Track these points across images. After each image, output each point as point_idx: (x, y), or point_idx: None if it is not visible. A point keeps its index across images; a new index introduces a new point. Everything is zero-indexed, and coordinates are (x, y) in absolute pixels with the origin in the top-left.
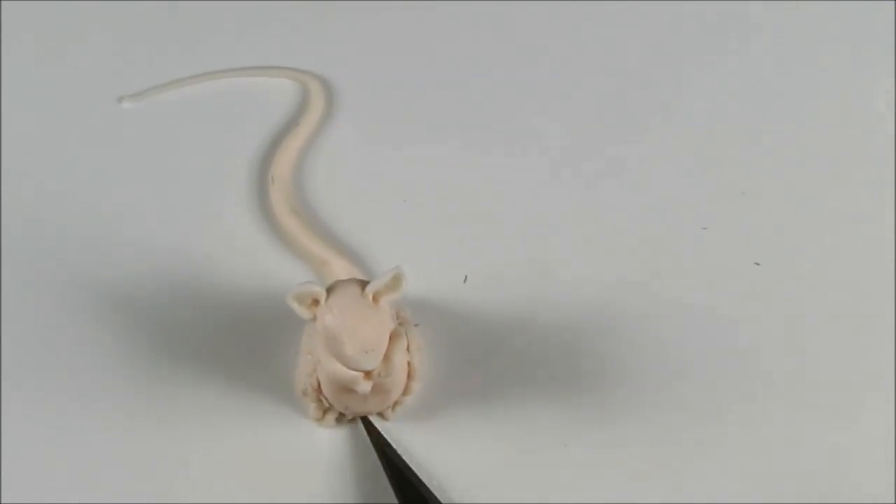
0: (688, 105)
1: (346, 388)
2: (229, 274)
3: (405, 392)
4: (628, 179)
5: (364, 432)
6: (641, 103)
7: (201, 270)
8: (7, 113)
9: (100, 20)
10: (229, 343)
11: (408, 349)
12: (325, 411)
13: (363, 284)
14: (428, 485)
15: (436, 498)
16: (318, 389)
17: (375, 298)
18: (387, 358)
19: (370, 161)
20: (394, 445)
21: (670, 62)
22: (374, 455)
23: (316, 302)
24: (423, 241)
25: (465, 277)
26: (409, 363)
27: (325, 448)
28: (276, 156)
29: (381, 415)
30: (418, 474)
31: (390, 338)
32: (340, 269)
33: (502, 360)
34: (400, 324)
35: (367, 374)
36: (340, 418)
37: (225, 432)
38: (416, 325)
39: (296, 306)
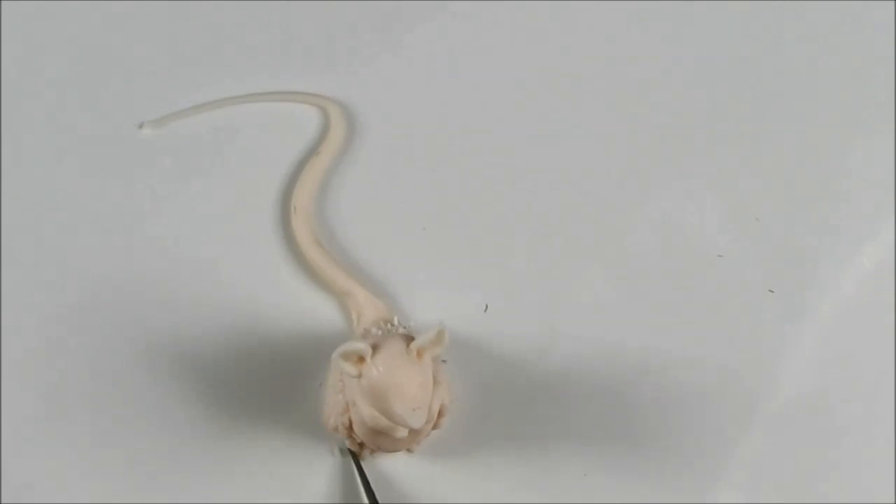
0: (702, 131)
1: (383, 433)
2: (252, 304)
3: (434, 426)
4: (647, 208)
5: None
6: (663, 130)
7: (222, 300)
8: (28, 137)
9: (121, 46)
10: (250, 374)
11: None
12: (362, 447)
13: (408, 340)
14: None
15: None
16: (350, 427)
17: (419, 353)
18: (429, 410)
19: (390, 189)
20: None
21: (686, 84)
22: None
23: (362, 359)
24: (443, 271)
25: (486, 307)
26: (440, 402)
27: (351, 480)
28: (297, 185)
29: (408, 449)
30: None
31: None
32: (364, 299)
33: (523, 390)
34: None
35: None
36: (372, 453)
37: (247, 465)
38: (444, 362)
39: (343, 364)
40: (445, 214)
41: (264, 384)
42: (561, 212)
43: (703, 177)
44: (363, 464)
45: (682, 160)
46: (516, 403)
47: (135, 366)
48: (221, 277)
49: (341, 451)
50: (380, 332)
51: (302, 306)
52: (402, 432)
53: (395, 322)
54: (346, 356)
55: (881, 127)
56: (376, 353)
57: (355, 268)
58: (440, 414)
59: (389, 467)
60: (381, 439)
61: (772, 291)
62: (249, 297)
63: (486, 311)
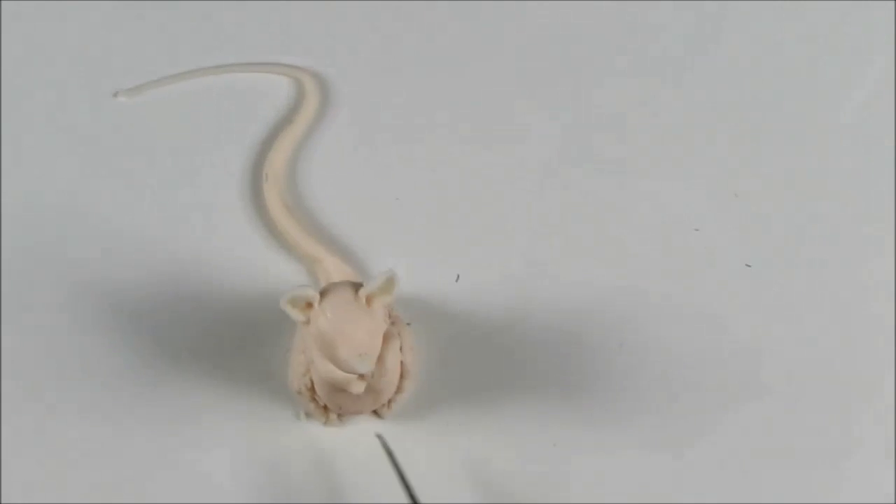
0: (681, 106)
1: (340, 389)
2: (222, 271)
3: (398, 391)
4: (622, 180)
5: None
6: (636, 103)
7: (193, 267)
8: (2, 104)
9: (96, 15)
10: (220, 341)
11: (400, 348)
12: (326, 410)
13: (356, 287)
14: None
15: None
16: (312, 389)
17: (369, 301)
18: (380, 359)
19: (364, 159)
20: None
21: (663, 62)
22: (369, 454)
23: (310, 305)
24: (415, 240)
25: (458, 276)
26: (401, 362)
27: (318, 446)
28: (270, 153)
29: (375, 413)
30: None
31: (383, 339)
32: (333, 266)
33: (494, 358)
34: (392, 323)
35: (361, 375)
36: (340, 417)
37: (214, 431)
38: (408, 325)
39: (290, 310)
40: (418, 185)
41: (231, 349)
42: (536, 183)
43: (681, 151)
44: (333, 428)
45: (661, 134)
46: (488, 372)
47: (97, 329)
48: (190, 242)
49: (307, 415)
50: None
51: (270, 273)
52: (358, 387)
53: None
54: (293, 302)
55: (860, 101)
56: (324, 298)
57: (325, 236)
58: (403, 376)
59: (359, 432)
60: (341, 398)
61: (748, 266)
62: (218, 263)
63: (457, 280)
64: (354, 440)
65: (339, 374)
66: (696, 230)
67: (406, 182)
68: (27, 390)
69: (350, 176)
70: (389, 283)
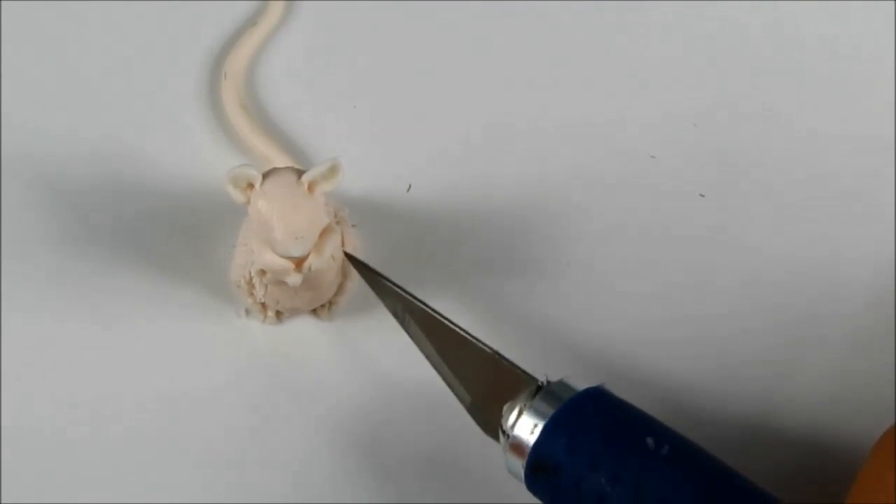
0: (642, 33)
1: (278, 282)
2: (173, 165)
3: (339, 292)
4: (580, 95)
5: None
6: (597, 27)
7: (142, 156)
8: None
9: None
10: (165, 232)
11: (343, 249)
12: (264, 307)
13: (300, 173)
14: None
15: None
16: (251, 283)
17: (311, 187)
18: (318, 250)
19: (324, 65)
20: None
21: None
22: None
23: (251, 186)
24: (369, 148)
25: (409, 186)
26: (343, 262)
27: (253, 343)
28: (230, 52)
29: (315, 312)
30: None
31: (324, 231)
32: (283, 166)
33: (440, 266)
34: (337, 222)
35: (298, 264)
36: (279, 315)
37: (151, 320)
38: (353, 226)
39: (230, 189)
40: (377, 94)
41: (176, 244)
42: (497, 100)
43: (642, 77)
44: (270, 327)
45: (622, 59)
46: (430, 278)
47: (38, 216)
48: (144, 135)
49: (247, 311)
50: None
51: (221, 170)
52: (295, 279)
53: None
54: (235, 181)
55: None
56: (266, 180)
57: (279, 138)
58: (345, 276)
59: (299, 331)
60: (279, 292)
61: (702, 196)
62: (169, 158)
63: (408, 190)
64: (291, 339)
65: (278, 264)
66: (653, 157)
67: (365, 91)
68: None
69: (309, 81)
70: (332, 170)
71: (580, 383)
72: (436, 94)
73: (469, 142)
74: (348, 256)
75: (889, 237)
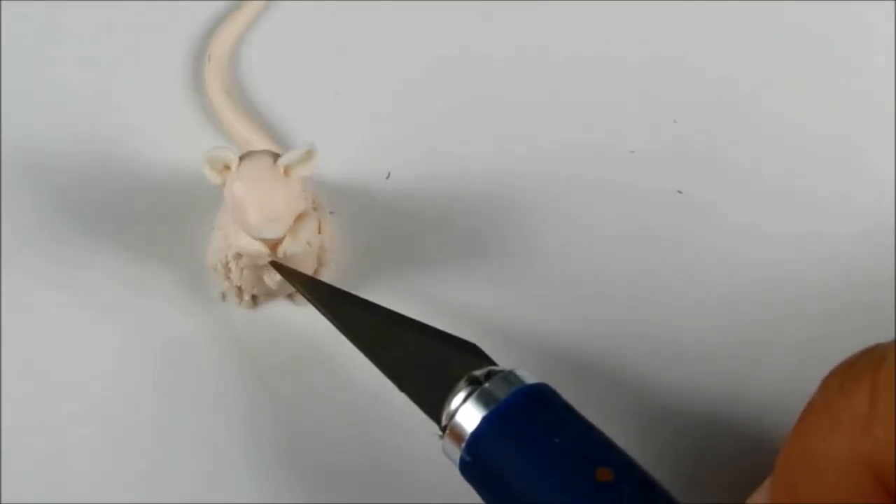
0: (623, 26)
1: (253, 266)
2: (156, 148)
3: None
4: (560, 89)
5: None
6: (580, 20)
7: (126, 140)
8: None
9: None
10: (143, 212)
11: (320, 234)
12: (240, 291)
13: (276, 157)
14: None
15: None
16: (228, 267)
17: (287, 171)
18: (294, 234)
19: (309, 51)
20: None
21: None
22: (278, 336)
23: (228, 168)
24: (350, 135)
25: (388, 174)
26: (320, 248)
27: (230, 327)
28: (215, 35)
29: (290, 297)
30: None
31: (300, 216)
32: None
33: (417, 256)
34: (315, 208)
35: (273, 248)
36: (255, 300)
37: (127, 303)
38: (331, 213)
39: (207, 170)
40: (360, 81)
41: (156, 227)
42: (479, 91)
43: (622, 70)
44: (247, 311)
45: (603, 54)
46: (410, 266)
47: (16, 193)
48: (125, 118)
49: (223, 295)
50: None
51: (201, 152)
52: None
53: None
54: (211, 162)
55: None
56: (242, 163)
57: (263, 122)
58: (321, 264)
59: (275, 316)
60: (253, 275)
61: (680, 192)
62: (151, 140)
63: (388, 178)
64: (266, 322)
65: (252, 247)
66: (632, 152)
67: (348, 77)
68: None
69: (293, 67)
70: (308, 154)
71: (532, 376)
72: (419, 82)
73: (450, 131)
74: (274, 264)
75: (872, 235)
